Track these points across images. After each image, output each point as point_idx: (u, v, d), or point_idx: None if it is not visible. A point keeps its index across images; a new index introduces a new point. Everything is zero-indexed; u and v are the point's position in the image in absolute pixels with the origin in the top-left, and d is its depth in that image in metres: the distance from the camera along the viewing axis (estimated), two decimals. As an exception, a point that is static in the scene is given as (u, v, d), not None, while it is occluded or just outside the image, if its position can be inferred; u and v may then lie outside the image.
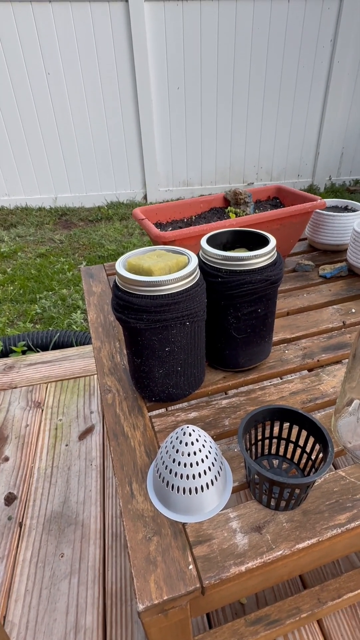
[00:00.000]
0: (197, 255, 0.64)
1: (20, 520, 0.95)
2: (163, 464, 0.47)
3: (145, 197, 3.47)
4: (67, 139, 3.12)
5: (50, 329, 1.85)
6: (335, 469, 0.52)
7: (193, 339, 0.57)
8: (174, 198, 3.50)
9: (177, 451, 0.46)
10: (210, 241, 0.64)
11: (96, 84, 2.96)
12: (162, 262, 0.53)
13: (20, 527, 0.94)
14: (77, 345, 1.61)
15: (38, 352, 1.60)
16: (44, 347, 1.63)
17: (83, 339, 1.64)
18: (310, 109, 3.35)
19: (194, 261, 0.54)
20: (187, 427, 0.46)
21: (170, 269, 0.53)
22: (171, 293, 0.51)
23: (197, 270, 0.55)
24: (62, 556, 0.88)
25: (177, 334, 0.54)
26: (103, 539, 0.91)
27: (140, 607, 0.40)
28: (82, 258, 2.53)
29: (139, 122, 3.12)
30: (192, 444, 0.45)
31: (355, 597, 0.70)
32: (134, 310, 0.52)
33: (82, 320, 1.90)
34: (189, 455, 0.45)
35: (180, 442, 0.46)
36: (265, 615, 0.68)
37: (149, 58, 2.91)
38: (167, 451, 0.47)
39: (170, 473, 0.46)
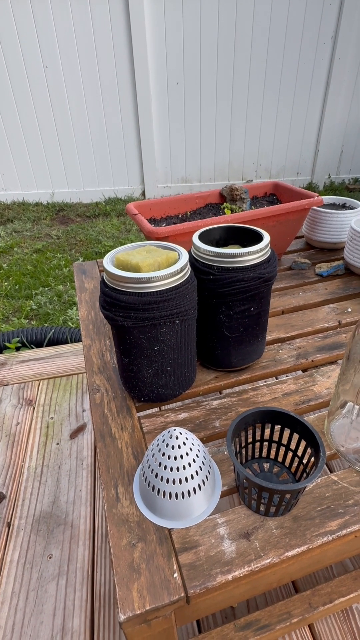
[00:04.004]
0: (189, 251, 0.62)
1: (9, 520, 0.93)
2: (149, 467, 0.45)
3: (143, 194, 3.44)
4: (65, 133, 3.09)
5: (46, 325, 1.83)
6: (330, 472, 0.51)
7: (183, 337, 0.55)
8: (172, 194, 3.47)
9: (164, 454, 0.44)
10: (202, 237, 0.62)
11: (95, 79, 2.92)
12: (151, 258, 0.51)
13: (9, 527, 0.92)
14: (72, 342, 1.59)
15: (32, 348, 1.58)
16: (39, 344, 1.61)
17: (78, 336, 1.62)
18: (310, 107, 3.32)
19: (185, 257, 0.53)
20: (174, 429, 0.45)
21: (159, 265, 0.51)
22: (160, 290, 0.49)
23: (188, 266, 0.53)
24: (50, 557, 0.86)
25: (167, 333, 0.53)
26: (92, 540, 0.89)
27: (122, 617, 0.38)
28: (79, 254, 2.51)
29: (138, 117, 3.09)
30: (179, 447, 0.44)
31: (347, 601, 0.69)
32: (122, 307, 0.50)
33: (78, 317, 1.88)
34: (175, 458, 0.43)
35: (167, 444, 0.44)
36: (256, 620, 0.66)
37: (148, 53, 2.88)
38: (154, 454, 0.45)
39: (156, 477, 0.44)
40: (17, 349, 1.59)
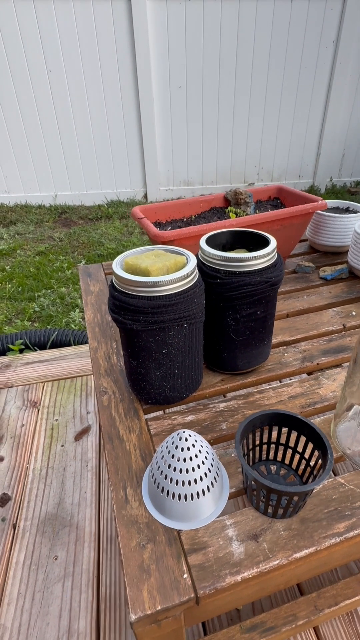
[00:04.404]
0: (196, 255, 0.63)
1: (14, 522, 0.94)
2: (158, 469, 0.46)
3: (145, 196, 3.46)
4: (68, 136, 3.11)
5: (48, 327, 1.83)
6: (335, 475, 0.51)
7: (191, 341, 0.56)
8: (174, 197, 3.49)
9: (173, 456, 0.44)
10: (209, 241, 0.63)
11: (97, 83, 2.94)
12: (160, 262, 0.52)
13: (14, 529, 0.92)
14: (75, 345, 1.60)
15: (35, 350, 1.59)
16: (42, 346, 1.62)
17: (81, 338, 1.63)
18: (312, 110, 3.34)
19: (193, 262, 0.53)
20: (184, 431, 0.45)
21: (168, 270, 0.52)
22: (169, 294, 0.50)
23: (196, 271, 0.54)
24: (55, 559, 0.87)
25: (175, 336, 0.53)
26: (98, 541, 0.90)
27: (133, 617, 0.38)
28: (81, 256, 2.52)
29: (140, 120, 3.11)
30: (188, 449, 0.44)
31: (353, 604, 0.69)
32: (131, 311, 0.50)
33: (81, 319, 1.89)
34: (184, 460, 0.44)
35: (176, 447, 0.44)
36: (261, 622, 0.67)
37: (150, 57, 2.90)
38: (163, 456, 0.46)
39: (165, 479, 0.45)
40: (21, 351, 1.60)
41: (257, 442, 0.55)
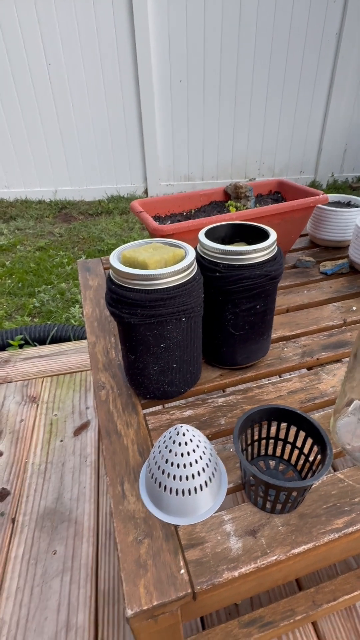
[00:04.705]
0: (195, 249, 0.62)
1: (13, 517, 0.94)
2: (156, 464, 0.45)
3: (146, 192, 3.44)
4: (68, 131, 3.09)
5: (48, 322, 1.83)
6: (334, 471, 0.51)
7: (189, 335, 0.55)
8: (175, 192, 3.47)
9: (170, 451, 0.44)
10: (208, 234, 0.62)
11: (98, 76, 2.92)
12: (158, 255, 0.51)
13: (13, 523, 0.92)
14: (75, 340, 1.59)
15: (35, 346, 1.58)
16: (42, 341, 1.61)
17: (81, 334, 1.62)
18: (314, 105, 3.31)
19: (191, 254, 0.52)
20: (181, 426, 0.45)
21: (166, 263, 0.51)
22: (167, 287, 0.49)
23: (194, 264, 0.53)
24: (54, 553, 0.87)
25: (173, 330, 0.53)
26: (96, 536, 0.89)
27: (129, 612, 0.38)
28: (81, 252, 2.51)
29: (141, 115, 3.08)
30: (186, 444, 0.44)
31: (351, 599, 0.69)
32: (128, 304, 0.50)
33: (81, 315, 1.89)
34: (182, 455, 0.44)
35: (174, 442, 0.44)
36: (260, 616, 0.67)
37: (151, 50, 2.87)
38: (160, 451, 0.45)
39: (162, 474, 0.44)
40: (21, 346, 1.59)
41: (256, 437, 0.54)
